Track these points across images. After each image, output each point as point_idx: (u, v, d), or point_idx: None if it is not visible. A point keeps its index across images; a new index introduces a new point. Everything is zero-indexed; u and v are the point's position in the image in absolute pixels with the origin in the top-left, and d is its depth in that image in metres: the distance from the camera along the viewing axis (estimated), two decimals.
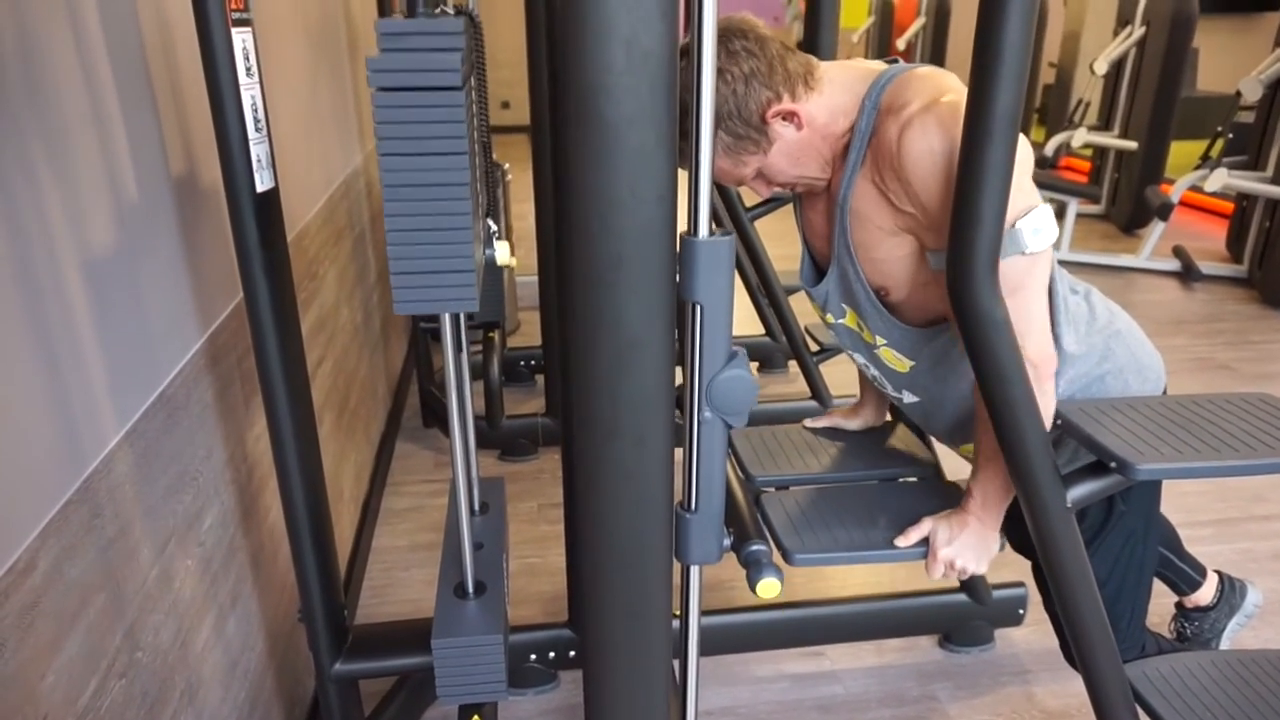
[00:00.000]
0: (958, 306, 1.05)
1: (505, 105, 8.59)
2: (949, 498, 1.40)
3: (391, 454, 2.85)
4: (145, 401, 1.09)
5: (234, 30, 1.04)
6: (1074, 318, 1.26)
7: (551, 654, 1.88)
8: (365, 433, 2.56)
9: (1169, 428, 1.16)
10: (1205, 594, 1.85)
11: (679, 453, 1.07)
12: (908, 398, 1.40)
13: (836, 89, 1.21)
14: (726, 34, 1.18)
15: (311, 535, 1.34)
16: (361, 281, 2.67)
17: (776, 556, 1.32)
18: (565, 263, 1.36)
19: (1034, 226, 1.08)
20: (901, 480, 1.55)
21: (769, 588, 1.24)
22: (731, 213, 2.85)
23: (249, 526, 1.45)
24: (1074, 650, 1.31)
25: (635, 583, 1.10)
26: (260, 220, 1.14)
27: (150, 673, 1.06)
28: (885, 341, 1.32)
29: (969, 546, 1.29)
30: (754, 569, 1.25)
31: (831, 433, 1.67)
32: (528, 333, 3.77)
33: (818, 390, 2.91)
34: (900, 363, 1.33)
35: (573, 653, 1.88)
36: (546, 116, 2.30)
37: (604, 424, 1.00)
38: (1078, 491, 1.15)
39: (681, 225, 0.96)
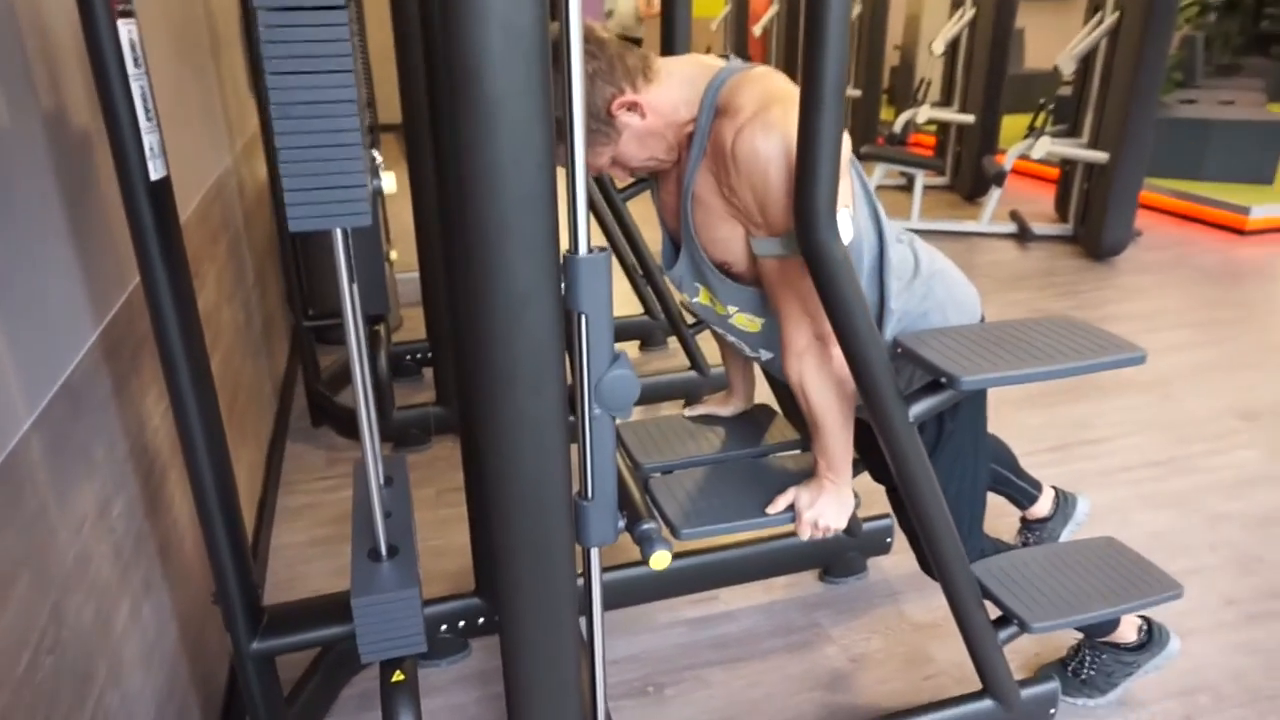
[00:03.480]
0: (804, 247, 1.19)
1: (369, 104, 8.44)
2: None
3: (282, 455, 2.84)
4: (51, 390, 1.12)
5: (120, 21, 1.08)
6: (899, 269, 1.44)
7: (462, 623, 1.96)
8: (255, 435, 2.56)
9: (988, 347, 1.35)
10: (1042, 507, 2.10)
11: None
12: (764, 355, 1.56)
13: (676, 81, 1.35)
14: None
15: (222, 516, 1.38)
16: (241, 283, 2.66)
17: (666, 534, 1.48)
18: (457, 231, 1.44)
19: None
20: (771, 456, 1.73)
21: (661, 559, 1.41)
22: (606, 196, 2.97)
23: (155, 517, 1.48)
24: (928, 555, 1.49)
25: (541, 528, 1.19)
26: (155, 207, 1.18)
27: (76, 651, 1.10)
28: (737, 308, 1.47)
29: (828, 506, 1.48)
30: (646, 545, 1.43)
31: (708, 419, 1.84)
32: (411, 328, 3.79)
33: (696, 361, 3.07)
34: (752, 323, 1.49)
35: (482, 619, 1.96)
36: (423, 109, 2.35)
37: (503, 375, 1.10)
38: (918, 407, 1.32)
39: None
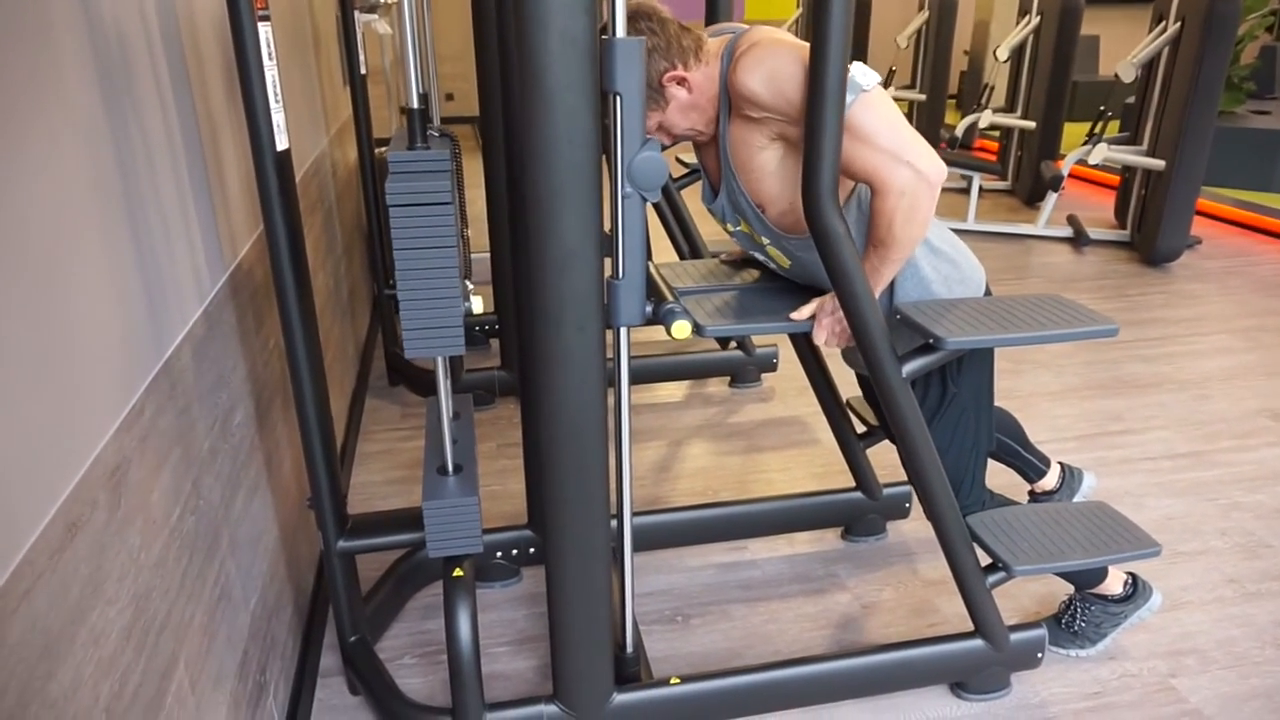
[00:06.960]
0: (810, 223, 1.41)
1: (450, 97, 8.84)
2: None
3: (363, 407, 3.16)
4: (196, 311, 1.40)
5: (260, 25, 1.36)
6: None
7: (514, 551, 2.22)
8: (340, 388, 2.86)
9: (977, 317, 1.54)
10: (1049, 481, 2.27)
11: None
12: None
13: (713, 58, 1.57)
14: (636, 15, 1.53)
15: (319, 433, 1.66)
16: (331, 252, 2.97)
17: None
18: (519, 198, 1.65)
19: (858, 73, 1.41)
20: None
21: (681, 329, 1.47)
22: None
23: (263, 434, 1.77)
24: (921, 500, 1.69)
25: (581, 455, 1.43)
26: (279, 172, 1.46)
27: (208, 520, 1.38)
28: (769, 242, 1.68)
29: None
30: (669, 317, 1.48)
31: (740, 262, 1.96)
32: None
33: (741, 341, 3.28)
34: (783, 260, 1.70)
35: (532, 549, 2.22)
36: (498, 107, 2.61)
37: (553, 316, 1.34)
38: (911, 366, 1.53)
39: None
